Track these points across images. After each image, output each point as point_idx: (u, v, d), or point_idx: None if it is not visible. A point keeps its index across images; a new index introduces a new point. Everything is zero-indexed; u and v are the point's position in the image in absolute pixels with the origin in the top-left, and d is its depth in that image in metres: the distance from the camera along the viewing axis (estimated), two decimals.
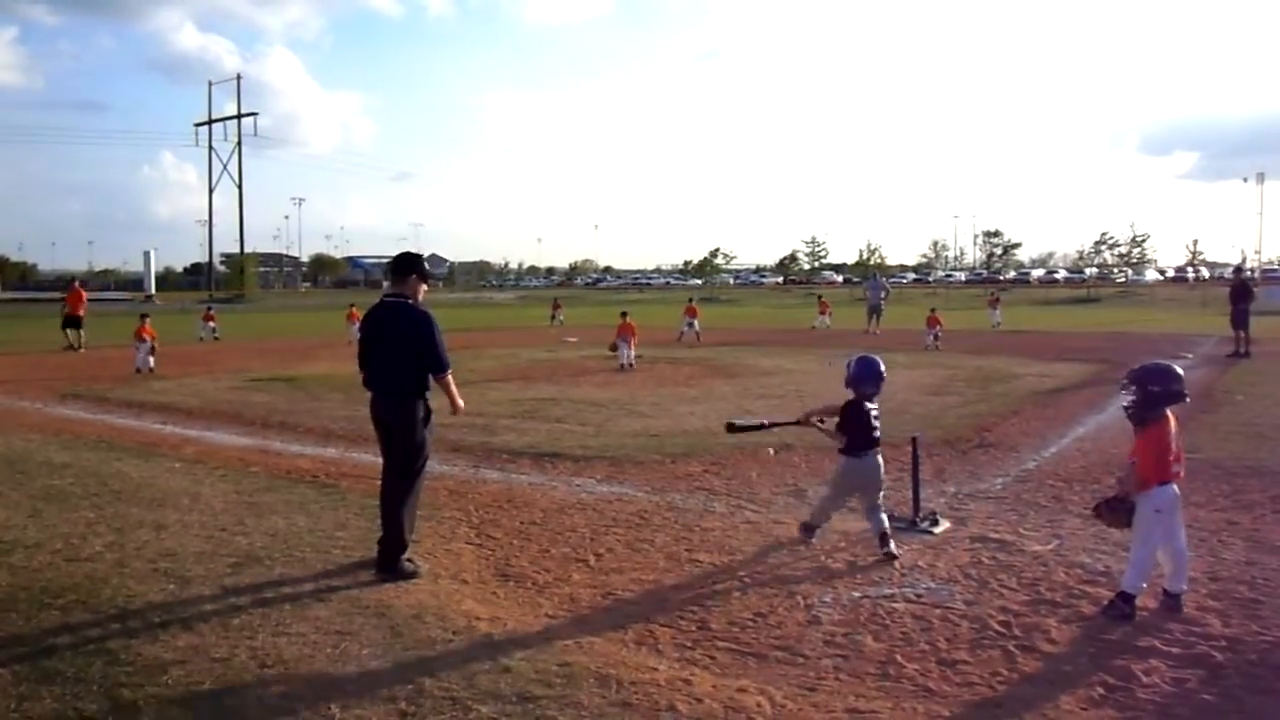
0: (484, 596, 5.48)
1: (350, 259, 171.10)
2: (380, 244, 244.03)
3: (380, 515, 5.95)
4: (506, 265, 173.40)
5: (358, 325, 7.18)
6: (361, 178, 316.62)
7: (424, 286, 6.18)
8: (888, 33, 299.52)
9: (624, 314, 21.10)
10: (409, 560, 5.87)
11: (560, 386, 16.17)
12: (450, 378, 6.05)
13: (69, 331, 26.03)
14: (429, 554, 6.28)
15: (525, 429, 11.57)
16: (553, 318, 39.84)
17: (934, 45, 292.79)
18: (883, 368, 6.42)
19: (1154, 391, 5.12)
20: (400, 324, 5.94)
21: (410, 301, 6.03)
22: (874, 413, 6.33)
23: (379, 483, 6.13)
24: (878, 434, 6.36)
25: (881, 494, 6.35)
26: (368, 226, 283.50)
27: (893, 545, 6.10)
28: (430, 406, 6.00)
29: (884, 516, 6.23)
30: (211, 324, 31.46)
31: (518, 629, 4.91)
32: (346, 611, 5.16)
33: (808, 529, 6.53)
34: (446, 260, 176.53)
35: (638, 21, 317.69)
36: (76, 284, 27.67)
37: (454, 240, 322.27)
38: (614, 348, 20.06)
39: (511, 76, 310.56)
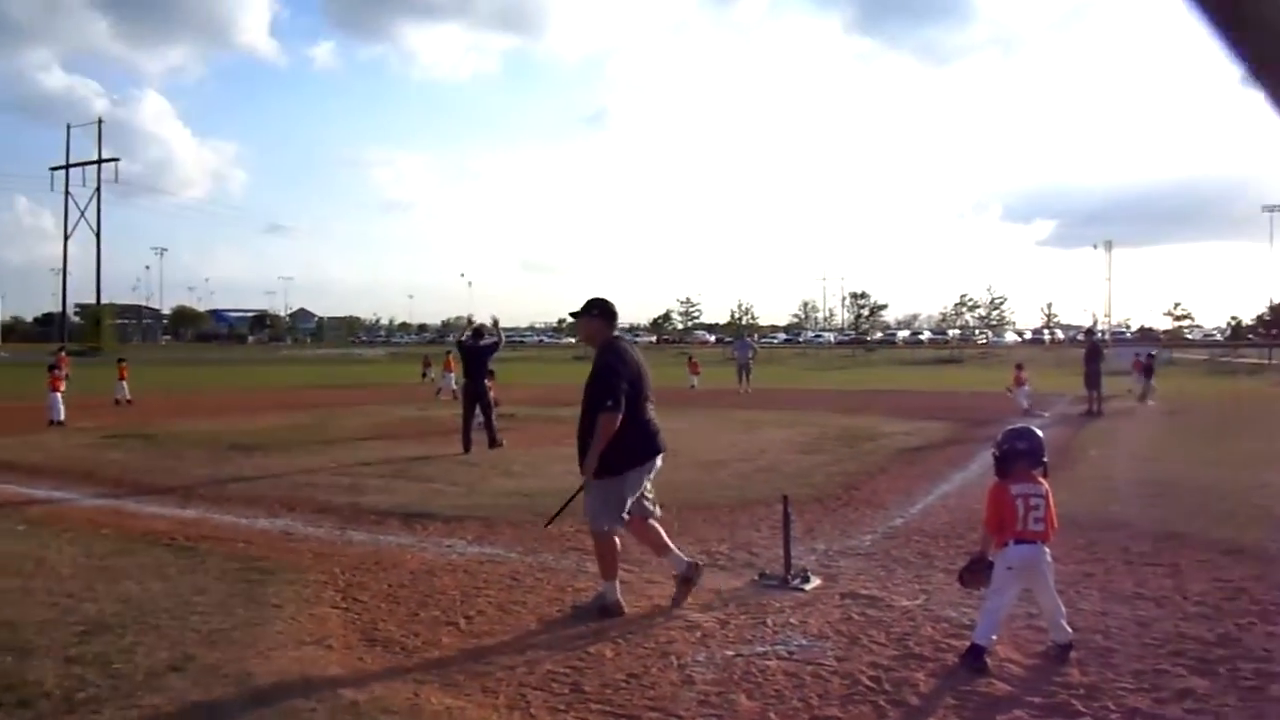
0: (350, 662, 5.29)
1: (214, 312, 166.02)
2: (247, 297, 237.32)
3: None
4: (377, 321, 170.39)
5: None
6: (231, 229, 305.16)
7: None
8: (762, 100, 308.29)
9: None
10: None
11: (431, 445, 15.89)
12: None
13: None
14: (292, 618, 6.05)
15: (395, 488, 11.33)
16: (424, 374, 39.15)
17: (807, 113, 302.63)
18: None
19: (999, 451, 5.44)
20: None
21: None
22: None
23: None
24: None
25: None
26: (235, 279, 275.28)
27: None
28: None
29: None
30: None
31: (385, 695, 4.75)
32: (204, 681, 4.90)
33: None
34: (315, 315, 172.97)
35: (522, 81, 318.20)
36: None
37: (325, 295, 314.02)
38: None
39: (394, 132, 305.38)
